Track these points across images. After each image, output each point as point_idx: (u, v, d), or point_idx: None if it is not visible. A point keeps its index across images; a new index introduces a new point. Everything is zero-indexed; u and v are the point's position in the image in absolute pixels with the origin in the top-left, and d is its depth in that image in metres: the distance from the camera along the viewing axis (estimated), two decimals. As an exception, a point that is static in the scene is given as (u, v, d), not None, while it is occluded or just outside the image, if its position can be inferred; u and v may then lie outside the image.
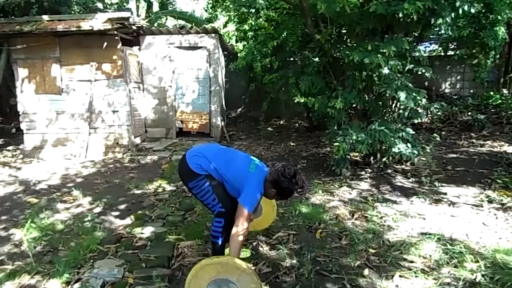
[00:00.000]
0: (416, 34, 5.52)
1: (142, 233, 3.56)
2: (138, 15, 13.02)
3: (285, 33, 6.87)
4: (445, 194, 4.50)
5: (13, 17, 8.22)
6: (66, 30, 7.03)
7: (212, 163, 2.59)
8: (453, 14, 4.47)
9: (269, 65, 8.25)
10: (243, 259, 2.81)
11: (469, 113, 9.12)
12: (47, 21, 7.32)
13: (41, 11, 9.98)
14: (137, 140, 8.16)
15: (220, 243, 2.61)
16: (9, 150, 8.17)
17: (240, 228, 2.33)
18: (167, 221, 3.89)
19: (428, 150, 5.55)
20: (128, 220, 4.00)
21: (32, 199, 4.81)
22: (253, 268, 2.68)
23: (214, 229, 2.63)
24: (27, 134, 7.90)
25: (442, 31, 5.07)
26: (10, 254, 3.24)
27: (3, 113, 12.52)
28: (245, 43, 8.89)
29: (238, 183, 2.54)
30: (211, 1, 9.66)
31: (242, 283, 2.08)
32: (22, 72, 7.69)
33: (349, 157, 5.51)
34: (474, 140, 7.50)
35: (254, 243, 3.27)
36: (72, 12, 11.64)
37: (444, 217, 3.82)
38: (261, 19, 7.52)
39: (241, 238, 2.33)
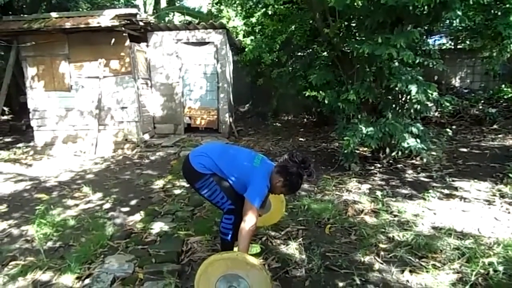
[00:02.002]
0: (426, 27, 5.44)
1: (151, 229, 3.58)
2: (145, 11, 13.03)
3: (292, 27, 6.83)
4: (456, 189, 4.45)
5: (22, 14, 8.27)
6: (75, 27, 7.07)
7: (216, 161, 2.59)
8: (463, 5, 4.39)
9: (276, 60, 8.21)
10: (253, 254, 2.83)
11: (480, 107, 9.00)
12: (56, 18, 7.36)
13: (50, 8, 10.04)
14: (146, 137, 8.20)
15: (229, 239, 2.61)
16: (19, 147, 8.25)
17: (248, 224, 2.32)
18: (176, 216, 3.90)
19: (439, 145, 5.48)
20: (137, 216, 4.02)
21: (42, 195, 4.86)
22: (262, 263, 2.67)
23: (223, 226, 2.62)
24: (38, 131, 7.98)
25: (454, 24, 4.98)
26: (22, 250, 3.28)
27: (13, 110, 12.68)
28: (253, 37, 8.86)
29: (244, 179, 2.52)
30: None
31: (251, 278, 2.07)
32: (31, 70, 7.75)
33: (358, 152, 5.47)
34: (485, 134, 7.41)
35: (264, 238, 3.27)
36: (80, 9, 11.70)
37: (455, 212, 3.78)
38: (269, 12, 7.45)
39: (249, 233, 2.32)
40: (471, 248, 2.87)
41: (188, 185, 4.89)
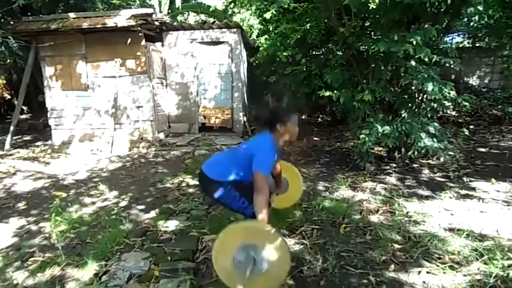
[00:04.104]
0: (444, 25, 5.35)
1: (167, 227, 3.61)
2: (160, 11, 13.12)
3: (307, 26, 6.79)
4: (474, 189, 4.37)
5: (40, 15, 8.42)
6: (92, 27, 7.18)
7: (226, 164, 2.66)
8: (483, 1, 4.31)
9: (291, 59, 8.17)
10: None
11: (499, 106, 8.82)
12: (73, 18, 7.49)
13: (67, 9, 10.20)
14: (161, 136, 8.27)
15: None
16: (38, 146, 8.43)
17: (260, 192, 2.31)
18: (191, 215, 3.93)
19: (456, 144, 5.39)
20: (153, 214, 4.06)
21: (60, 193, 4.94)
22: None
23: None
24: (55, 130, 8.13)
25: (472, 21, 4.89)
26: (41, 246, 3.35)
27: (32, 109, 12.95)
28: (267, 36, 8.85)
29: (250, 162, 2.49)
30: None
31: (269, 249, 2.04)
32: (49, 69, 7.90)
33: (373, 151, 5.42)
34: (504, 134, 7.27)
35: (278, 238, 3.26)
36: (97, 9, 11.86)
37: (473, 213, 3.72)
38: (284, 7, 7.42)
39: (264, 201, 2.30)
40: (489, 249, 2.82)
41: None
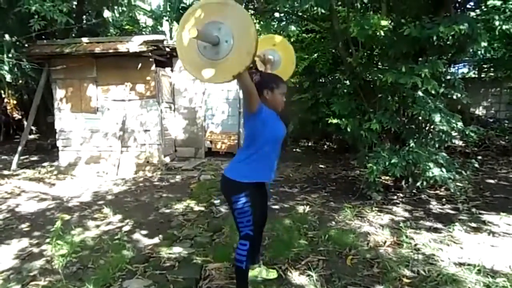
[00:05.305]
0: (449, 57, 5.40)
1: (170, 253, 3.55)
2: (171, 38, 13.41)
3: (315, 55, 6.90)
4: (484, 222, 4.28)
5: (54, 39, 8.62)
6: (104, 52, 7.32)
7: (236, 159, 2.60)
8: (489, 36, 4.35)
9: (298, 86, 8.26)
10: (270, 280, 2.89)
11: (507, 137, 8.77)
12: (86, 43, 7.65)
13: (80, 33, 10.44)
14: (167, 159, 8.28)
15: (244, 267, 2.52)
16: (44, 167, 8.45)
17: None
18: (195, 242, 3.87)
19: (465, 176, 5.33)
20: (156, 240, 4.00)
21: (63, 215, 4.90)
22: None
23: (239, 252, 2.53)
24: (63, 151, 8.16)
25: (478, 53, 4.95)
26: (42, 270, 3.30)
27: (40, 130, 13.07)
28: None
29: (249, 126, 2.49)
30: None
31: (230, 20, 1.90)
32: (60, 92, 8.01)
33: (380, 180, 5.37)
34: (513, 166, 7.19)
35: (284, 268, 3.19)
36: (109, 34, 12.12)
37: (484, 247, 3.62)
38: (292, 40, 7.58)
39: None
40: (503, 287, 2.73)
41: (207, 209, 4.90)
